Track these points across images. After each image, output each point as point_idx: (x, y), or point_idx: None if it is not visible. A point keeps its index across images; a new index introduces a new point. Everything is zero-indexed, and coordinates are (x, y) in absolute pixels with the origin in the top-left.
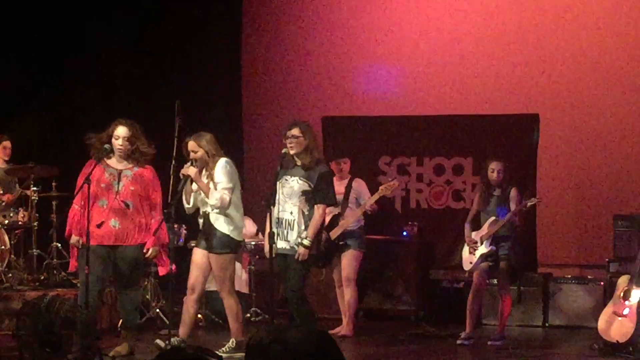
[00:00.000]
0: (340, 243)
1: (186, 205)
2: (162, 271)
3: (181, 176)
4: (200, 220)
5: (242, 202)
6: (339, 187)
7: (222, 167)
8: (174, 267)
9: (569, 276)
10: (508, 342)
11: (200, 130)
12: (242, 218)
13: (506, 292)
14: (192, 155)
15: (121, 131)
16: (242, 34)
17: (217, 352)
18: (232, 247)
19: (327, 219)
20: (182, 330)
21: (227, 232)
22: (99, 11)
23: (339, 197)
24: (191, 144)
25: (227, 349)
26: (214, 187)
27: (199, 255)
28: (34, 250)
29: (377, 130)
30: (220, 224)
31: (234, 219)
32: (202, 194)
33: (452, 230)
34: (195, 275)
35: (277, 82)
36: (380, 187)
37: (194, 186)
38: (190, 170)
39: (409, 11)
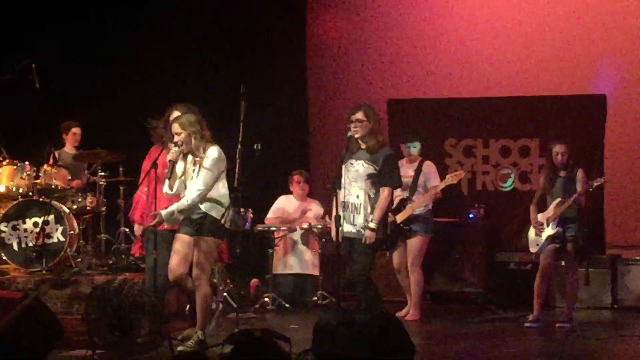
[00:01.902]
0: (406, 228)
1: (169, 192)
2: (226, 258)
3: (168, 163)
4: None
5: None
6: (409, 170)
7: (212, 157)
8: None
9: (638, 257)
10: (576, 324)
11: (266, 114)
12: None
13: (574, 273)
14: (176, 137)
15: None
16: (306, 17)
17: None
18: (221, 233)
19: (395, 202)
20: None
21: (219, 218)
22: None
23: (408, 180)
24: (174, 127)
25: (193, 344)
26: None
27: (180, 240)
28: (102, 235)
29: (443, 112)
30: (211, 210)
31: (224, 206)
32: (187, 180)
33: (518, 212)
34: (176, 262)
35: (343, 64)
36: (447, 176)
37: (179, 171)
38: (171, 154)
39: None
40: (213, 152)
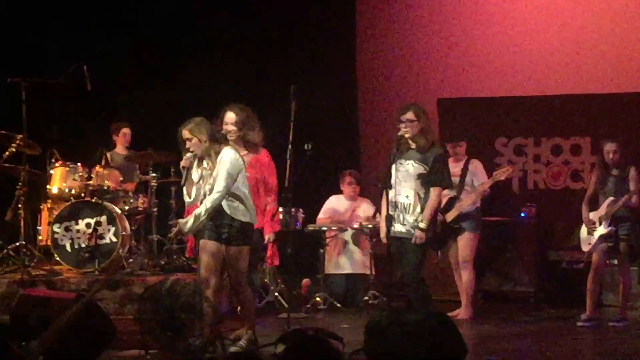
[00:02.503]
0: (456, 226)
1: (187, 200)
2: (276, 261)
3: (181, 169)
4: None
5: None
6: (455, 169)
7: (227, 159)
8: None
9: None
10: (629, 323)
11: (316, 114)
12: (252, 204)
13: (627, 272)
14: (187, 144)
15: (229, 116)
16: (356, 17)
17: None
18: (249, 238)
19: (443, 201)
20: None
21: (247, 220)
22: None
23: (455, 180)
24: (184, 133)
25: (245, 343)
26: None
27: (207, 249)
28: (154, 235)
29: (493, 111)
30: (237, 214)
31: (249, 206)
32: (207, 186)
33: (570, 211)
34: (206, 275)
35: (393, 64)
36: (494, 173)
37: (195, 178)
38: (184, 161)
39: None
40: (227, 153)
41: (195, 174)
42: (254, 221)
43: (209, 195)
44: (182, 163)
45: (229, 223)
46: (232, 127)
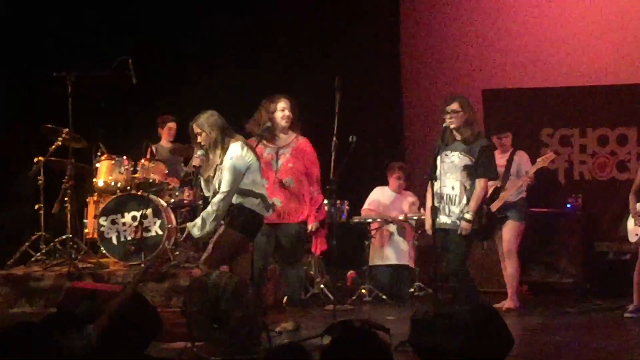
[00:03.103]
0: (500, 216)
1: (207, 193)
2: (317, 250)
3: (193, 168)
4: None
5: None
6: (501, 160)
7: (231, 156)
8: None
9: None
10: None
11: (360, 105)
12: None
13: None
14: (198, 138)
15: (286, 103)
16: (400, 7)
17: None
18: (248, 223)
19: (489, 192)
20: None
21: (251, 208)
22: None
23: (500, 171)
24: (194, 127)
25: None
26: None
27: None
28: None
29: (539, 102)
30: (244, 202)
31: (255, 195)
32: (216, 182)
33: (617, 202)
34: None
35: (437, 55)
36: (538, 160)
37: (211, 172)
38: (196, 160)
39: None
40: (233, 151)
41: (210, 170)
42: (262, 212)
43: (218, 193)
44: (194, 162)
45: (235, 210)
46: (289, 113)
